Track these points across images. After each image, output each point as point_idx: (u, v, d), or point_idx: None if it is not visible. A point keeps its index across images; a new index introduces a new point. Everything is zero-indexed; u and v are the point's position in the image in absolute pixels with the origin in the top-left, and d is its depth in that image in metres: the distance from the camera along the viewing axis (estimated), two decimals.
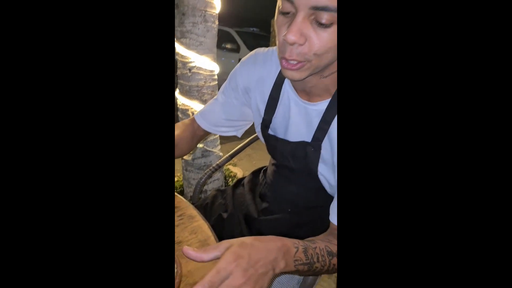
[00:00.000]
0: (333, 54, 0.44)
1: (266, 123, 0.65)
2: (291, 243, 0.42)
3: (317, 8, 0.38)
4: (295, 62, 0.44)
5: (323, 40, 0.41)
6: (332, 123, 0.54)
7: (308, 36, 0.41)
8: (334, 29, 0.40)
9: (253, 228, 0.70)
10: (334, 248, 0.46)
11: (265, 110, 0.64)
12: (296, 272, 0.43)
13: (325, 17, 0.39)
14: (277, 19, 0.44)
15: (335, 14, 0.38)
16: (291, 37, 0.40)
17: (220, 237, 0.58)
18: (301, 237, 0.67)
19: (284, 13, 0.42)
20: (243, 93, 0.67)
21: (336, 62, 0.48)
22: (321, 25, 0.40)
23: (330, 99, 0.54)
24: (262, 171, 0.86)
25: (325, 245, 0.46)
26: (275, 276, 0.39)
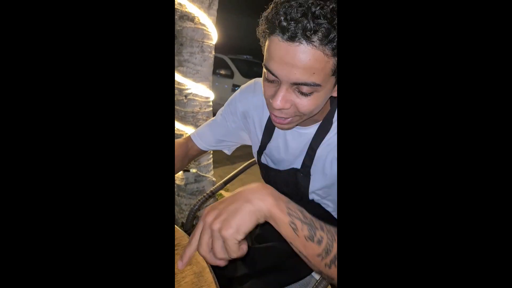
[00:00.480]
0: (318, 109, 0.50)
1: (261, 149, 0.68)
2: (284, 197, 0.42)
3: (297, 84, 0.44)
4: (283, 118, 0.50)
5: (306, 104, 0.47)
6: (318, 149, 0.58)
7: (292, 102, 0.47)
8: (315, 95, 0.46)
9: (246, 256, 0.70)
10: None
11: (262, 135, 0.67)
12: (292, 228, 0.39)
13: (305, 89, 0.45)
14: (264, 84, 0.49)
15: (314, 86, 0.44)
16: (278, 104, 0.46)
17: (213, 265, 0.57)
18: (295, 267, 0.67)
19: (269, 81, 0.47)
20: (241, 117, 0.71)
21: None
22: (303, 93, 0.45)
23: (320, 122, 0.59)
24: None
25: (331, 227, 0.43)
26: (266, 215, 0.39)
